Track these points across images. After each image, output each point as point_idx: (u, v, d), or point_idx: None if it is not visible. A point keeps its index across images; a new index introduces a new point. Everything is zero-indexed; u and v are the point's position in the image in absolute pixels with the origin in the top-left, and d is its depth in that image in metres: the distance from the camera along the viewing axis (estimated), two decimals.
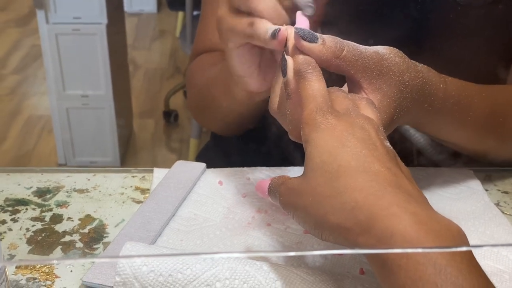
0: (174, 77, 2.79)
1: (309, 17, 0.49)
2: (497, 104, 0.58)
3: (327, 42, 0.46)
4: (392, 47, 0.49)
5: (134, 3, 3.48)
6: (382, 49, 0.49)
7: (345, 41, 0.47)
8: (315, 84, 0.44)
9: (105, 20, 1.81)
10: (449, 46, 0.64)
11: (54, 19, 1.79)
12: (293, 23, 0.50)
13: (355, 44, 0.48)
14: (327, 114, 0.43)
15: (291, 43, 0.47)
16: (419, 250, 0.34)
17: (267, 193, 0.47)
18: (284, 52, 0.47)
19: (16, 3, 3.69)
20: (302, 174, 0.43)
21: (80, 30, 1.82)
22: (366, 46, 0.48)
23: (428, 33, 0.64)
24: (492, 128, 0.58)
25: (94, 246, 0.52)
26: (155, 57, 3.03)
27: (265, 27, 0.48)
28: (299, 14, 0.49)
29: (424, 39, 0.64)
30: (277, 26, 0.48)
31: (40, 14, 1.79)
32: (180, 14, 2.97)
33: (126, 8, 3.26)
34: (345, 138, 0.42)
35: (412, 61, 0.50)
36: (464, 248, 0.34)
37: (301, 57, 0.46)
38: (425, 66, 0.51)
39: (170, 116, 2.40)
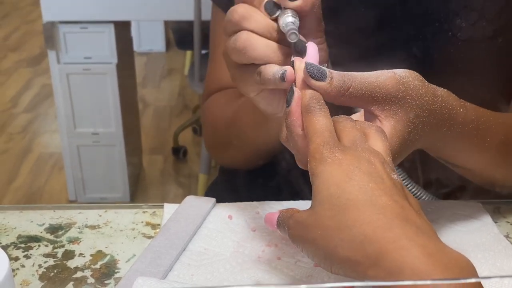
0: (183, 114, 2.82)
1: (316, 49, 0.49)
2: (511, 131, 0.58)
3: (335, 81, 0.47)
4: (412, 71, 0.49)
5: (143, 42, 3.55)
6: (401, 72, 0.48)
7: (354, 75, 0.47)
8: (322, 119, 0.45)
9: (115, 60, 1.84)
10: (451, 80, 0.65)
11: (65, 59, 1.83)
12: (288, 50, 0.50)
13: (365, 75, 0.47)
14: (334, 149, 0.43)
15: (299, 75, 0.48)
16: (428, 282, 0.34)
17: (275, 225, 0.48)
18: (293, 84, 0.48)
19: (27, 43, 3.77)
20: (310, 207, 0.44)
21: (90, 70, 1.85)
22: (381, 72, 0.48)
23: (430, 68, 0.65)
24: (508, 155, 0.58)
25: (106, 282, 0.53)
26: (164, 95, 3.07)
27: (271, 71, 0.49)
28: (309, 44, 0.49)
29: (426, 74, 0.65)
30: (283, 68, 0.48)
31: (51, 54, 1.83)
32: (188, 53, 3.02)
33: (136, 47, 3.31)
34: (352, 172, 0.42)
35: (431, 85, 0.50)
36: (473, 280, 0.34)
37: (309, 92, 0.47)
38: (445, 90, 0.51)
39: (179, 152, 2.42)
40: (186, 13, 1.76)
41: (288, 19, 0.49)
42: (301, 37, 0.48)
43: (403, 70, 0.49)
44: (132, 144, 2.13)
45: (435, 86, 0.50)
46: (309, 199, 0.45)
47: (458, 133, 0.52)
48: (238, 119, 0.67)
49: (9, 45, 3.76)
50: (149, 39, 3.55)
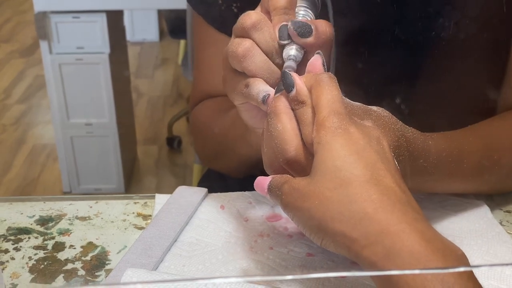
0: (177, 104, 2.81)
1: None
2: (488, 143, 0.58)
3: None
4: (378, 106, 0.50)
5: (137, 32, 3.53)
6: (368, 106, 0.49)
7: None
8: (334, 90, 0.44)
9: (108, 50, 1.83)
10: (438, 79, 0.65)
11: (57, 49, 1.82)
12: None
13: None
14: (346, 120, 0.42)
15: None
16: (416, 271, 0.34)
17: (266, 191, 0.46)
18: (287, 70, 0.47)
19: (20, 34, 3.74)
20: (310, 176, 0.43)
21: (83, 60, 1.84)
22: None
23: (418, 69, 0.65)
24: (490, 168, 0.58)
25: (96, 274, 0.52)
26: (158, 85, 3.06)
27: (258, 89, 0.48)
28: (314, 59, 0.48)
29: (414, 75, 0.65)
30: (267, 91, 0.48)
31: (43, 45, 1.81)
32: (182, 42, 3.00)
33: (129, 37, 3.29)
34: (361, 147, 0.41)
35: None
36: (461, 269, 0.34)
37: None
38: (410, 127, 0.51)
39: (173, 142, 2.41)
40: (179, 2, 1.75)
41: (291, 52, 0.48)
42: (294, 75, 0.46)
43: (369, 106, 0.49)
44: (126, 135, 2.12)
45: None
46: None
47: (435, 163, 0.52)
48: (227, 133, 0.67)
49: (1, 36, 3.73)
50: (142, 29, 3.52)
